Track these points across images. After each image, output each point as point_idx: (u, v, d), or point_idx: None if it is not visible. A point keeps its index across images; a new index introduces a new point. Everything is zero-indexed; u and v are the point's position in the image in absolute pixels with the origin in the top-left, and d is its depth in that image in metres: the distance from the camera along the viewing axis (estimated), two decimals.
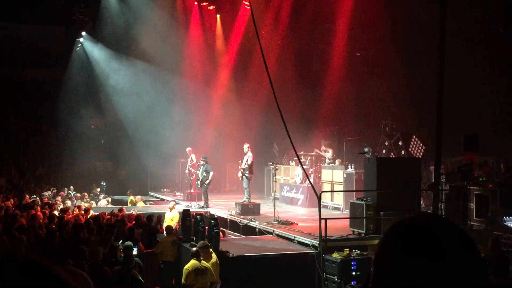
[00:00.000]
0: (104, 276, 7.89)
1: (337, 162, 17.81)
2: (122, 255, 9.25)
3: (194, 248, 9.92)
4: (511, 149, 15.57)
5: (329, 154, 18.53)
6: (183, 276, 9.46)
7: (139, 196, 20.31)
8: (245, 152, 16.83)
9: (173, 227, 13.40)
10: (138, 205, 19.08)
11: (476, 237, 9.25)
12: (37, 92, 27.99)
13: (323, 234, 10.72)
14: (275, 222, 13.98)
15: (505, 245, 10.94)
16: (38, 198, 19.48)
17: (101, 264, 8.41)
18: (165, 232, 12.78)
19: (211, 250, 10.21)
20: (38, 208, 15.75)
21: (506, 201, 12.04)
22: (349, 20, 20.13)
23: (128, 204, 19.59)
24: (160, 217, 14.55)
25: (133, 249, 9.72)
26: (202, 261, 9.60)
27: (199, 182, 18.23)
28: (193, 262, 9.50)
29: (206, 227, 11.73)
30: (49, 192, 21.37)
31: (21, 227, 11.25)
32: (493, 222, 11.92)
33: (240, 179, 17.34)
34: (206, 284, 9.54)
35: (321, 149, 18.90)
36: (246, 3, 21.15)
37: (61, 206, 16.84)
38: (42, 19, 24.47)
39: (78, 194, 21.12)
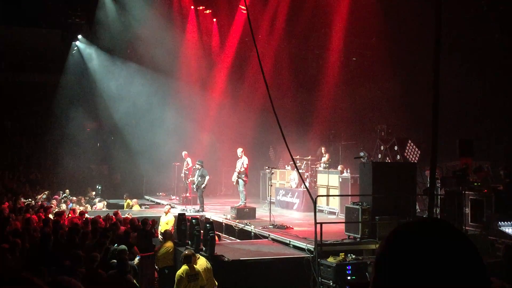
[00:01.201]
0: (99, 280, 7.86)
1: (339, 167, 17.70)
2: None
3: (186, 252, 9.88)
4: (506, 154, 15.63)
5: (324, 158, 18.54)
6: (176, 282, 9.42)
7: (135, 200, 20.28)
8: (239, 156, 16.84)
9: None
10: (133, 209, 19.06)
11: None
12: (32, 95, 27.91)
13: (318, 238, 10.72)
14: (271, 226, 13.98)
15: (500, 250, 10.97)
16: (32, 201, 19.41)
17: (96, 268, 8.38)
18: (161, 237, 12.73)
19: (198, 255, 10.18)
20: (33, 211, 15.69)
21: (501, 206, 12.07)
22: (345, 25, 20.21)
23: (125, 207, 19.56)
24: (155, 221, 14.49)
25: (127, 253, 9.67)
26: (194, 266, 9.57)
27: (194, 186, 18.21)
28: (185, 267, 9.45)
29: (202, 231, 11.71)
30: (44, 196, 21.29)
31: (15, 231, 11.20)
32: (488, 227, 11.95)
33: (234, 183, 17.33)
34: None
35: (321, 151, 18.85)
36: (243, 7, 21.19)
37: (56, 210, 16.79)
38: (38, 22, 24.42)
39: (74, 198, 21.07)
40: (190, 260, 9.53)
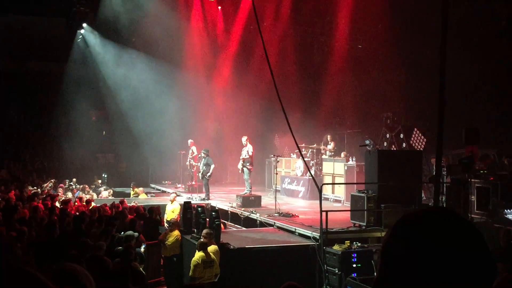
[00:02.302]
0: (105, 267, 7.88)
1: (342, 154, 17.78)
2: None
3: (202, 240, 9.93)
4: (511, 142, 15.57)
5: (330, 146, 18.51)
6: (192, 269, 9.47)
7: (141, 188, 20.38)
8: (244, 144, 16.84)
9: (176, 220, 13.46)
10: (140, 197, 19.15)
11: None
12: (37, 84, 27.94)
13: (324, 226, 10.74)
14: (276, 214, 14.01)
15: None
16: (39, 190, 19.52)
17: (102, 255, 8.40)
18: (167, 225, 12.76)
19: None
20: (40, 200, 15.78)
21: (507, 194, 12.03)
22: (350, 12, 20.07)
23: (131, 195, 19.66)
24: (159, 208, 14.53)
25: (134, 239, 9.71)
26: (209, 252, 9.64)
27: (200, 174, 18.27)
28: (200, 254, 9.51)
29: (207, 219, 11.75)
30: (50, 184, 21.41)
31: (22, 219, 11.26)
32: (494, 214, 11.93)
33: (240, 171, 17.36)
34: (212, 276, 9.58)
35: (326, 140, 18.81)
36: None
37: (63, 198, 16.88)
38: (43, 11, 24.35)
39: (79, 186, 21.18)
40: (205, 247, 9.61)
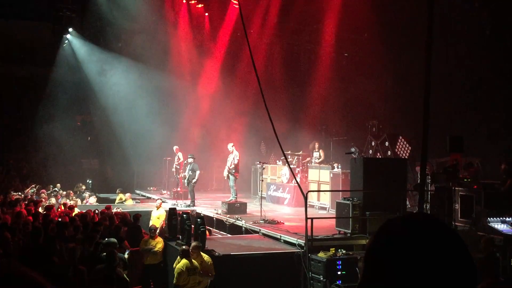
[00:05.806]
0: (80, 276, 7.77)
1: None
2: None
3: (184, 247, 9.86)
4: (496, 151, 15.72)
5: (317, 154, 18.54)
6: (176, 276, 9.40)
7: (128, 194, 20.25)
8: (230, 151, 16.84)
9: (159, 226, 13.41)
10: (127, 203, 19.03)
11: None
12: (22, 88, 27.68)
13: (309, 233, 10.75)
14: (262, 221, 13.99)
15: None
16: (22, 195, 19.30)
17: (77, 263, 8.32)
18: (153, 232, 12.70)
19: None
20: (23, 205, 15.60)
21: (490, 202, 12.14)
22: (337, 20, 20.20)
23: (116, 201, 19.53)
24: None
25: (116, 246, 9.61)
26: (193, 260, 9.58)
27: (185, 180, 18.22)
28: (184, 261, 9.44)
29: (192, 226, 11.71)
30: (33, 189, 21.17)
31: (5, 225, 11.12)
32: (478, 222, 12.02)
33: (226, 178, 17.34)
34: (196, 283, 9.53)
35: (314, 146, 18.84)
36: (235, 2, 21.12)
37: (47, 204, 16.71)
38: (29, 15, 24.19)
39: (63, 192, 20.97)
40: (188, 254, 9.55)
